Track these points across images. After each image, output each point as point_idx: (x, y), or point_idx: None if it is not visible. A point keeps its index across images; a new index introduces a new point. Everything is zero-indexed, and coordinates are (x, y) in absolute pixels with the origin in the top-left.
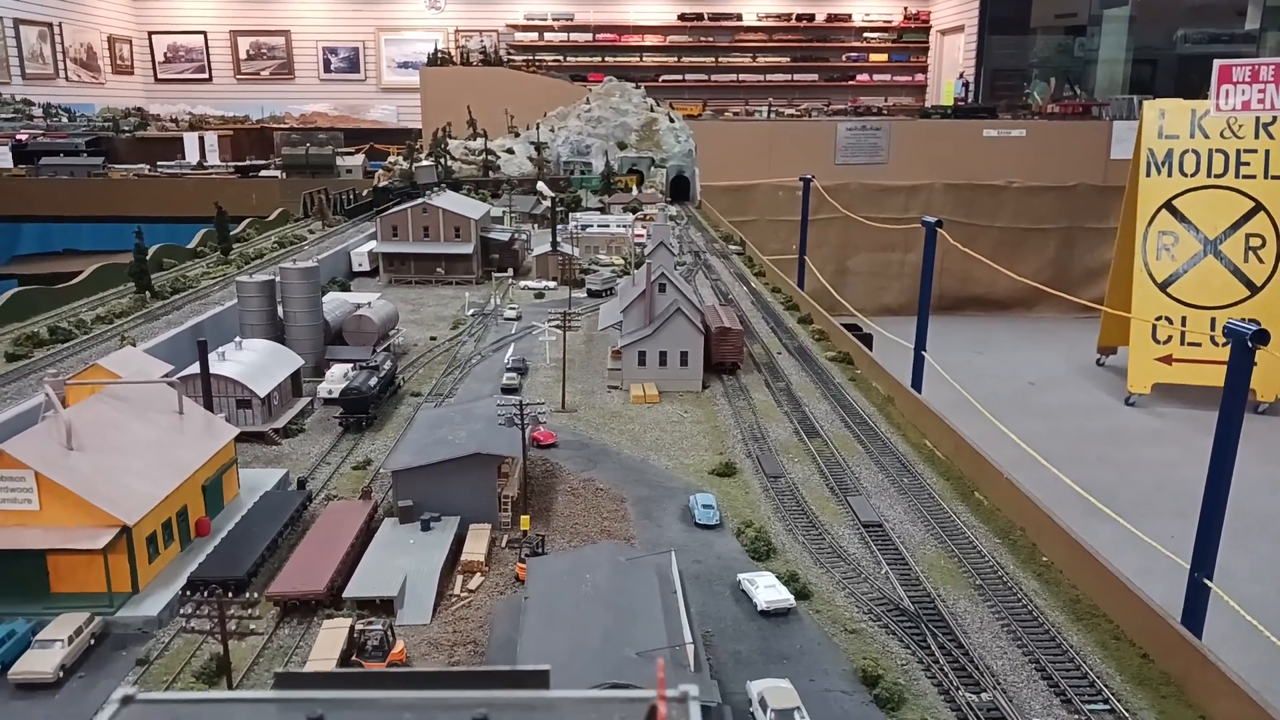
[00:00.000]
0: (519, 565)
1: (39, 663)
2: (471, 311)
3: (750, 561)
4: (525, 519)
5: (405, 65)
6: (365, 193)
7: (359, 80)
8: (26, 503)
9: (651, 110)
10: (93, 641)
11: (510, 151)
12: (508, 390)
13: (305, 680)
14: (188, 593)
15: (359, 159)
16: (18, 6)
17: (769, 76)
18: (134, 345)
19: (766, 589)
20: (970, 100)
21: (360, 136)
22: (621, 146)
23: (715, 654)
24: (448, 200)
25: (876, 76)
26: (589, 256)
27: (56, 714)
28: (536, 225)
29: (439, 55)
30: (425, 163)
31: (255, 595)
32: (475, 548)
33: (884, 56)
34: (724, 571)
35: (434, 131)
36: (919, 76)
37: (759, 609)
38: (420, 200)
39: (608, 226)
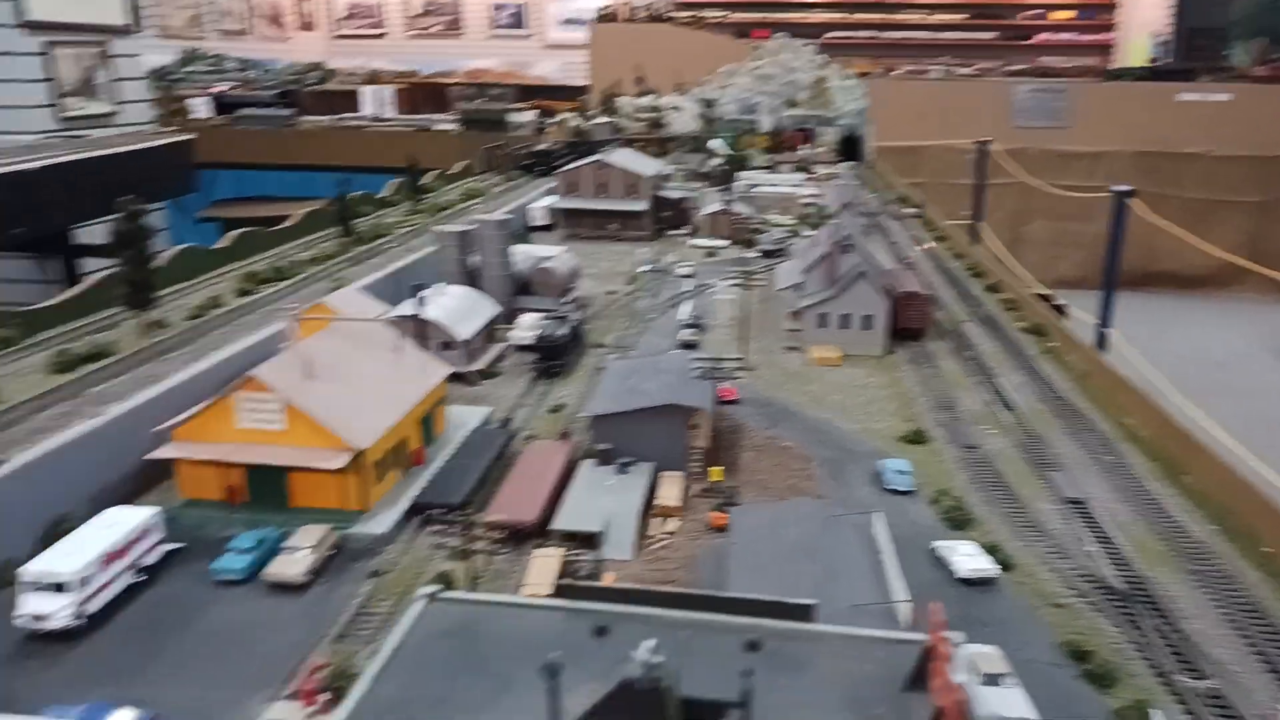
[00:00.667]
0: (712, 514)
1: (289, 567)
2: (646, 268)
3: (945, 530)
4: (716, 470)
5: (569, 22)
6: (537, 148)
7: (523, 36)
8: (275, 423)
9: (822, 68)
10: (333, 552)
11: (677, 109)
12: (686, 346)
13: (587, 592)
14: (417, 514)
15: (531, 115)
16: None
17: (943, 34)
18: (347, 287)
19: (967, 557)
20: (1164, 61)
21: (527, 93)
22: (790, 105)
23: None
24: (623, 158)
25: (1058, 35)
26: (759, 216)
27: (304, 612)
28: (704, 184)
29: (607, 12)
30: (600, 119)
31: (491, 518)
32: (669, 493)
33: (1067, 14)
34: (918, 537)
35: (603, 89)
36: (1106, 35)
37: (958, 576)
38: (597, 157)
39: (777, 186)
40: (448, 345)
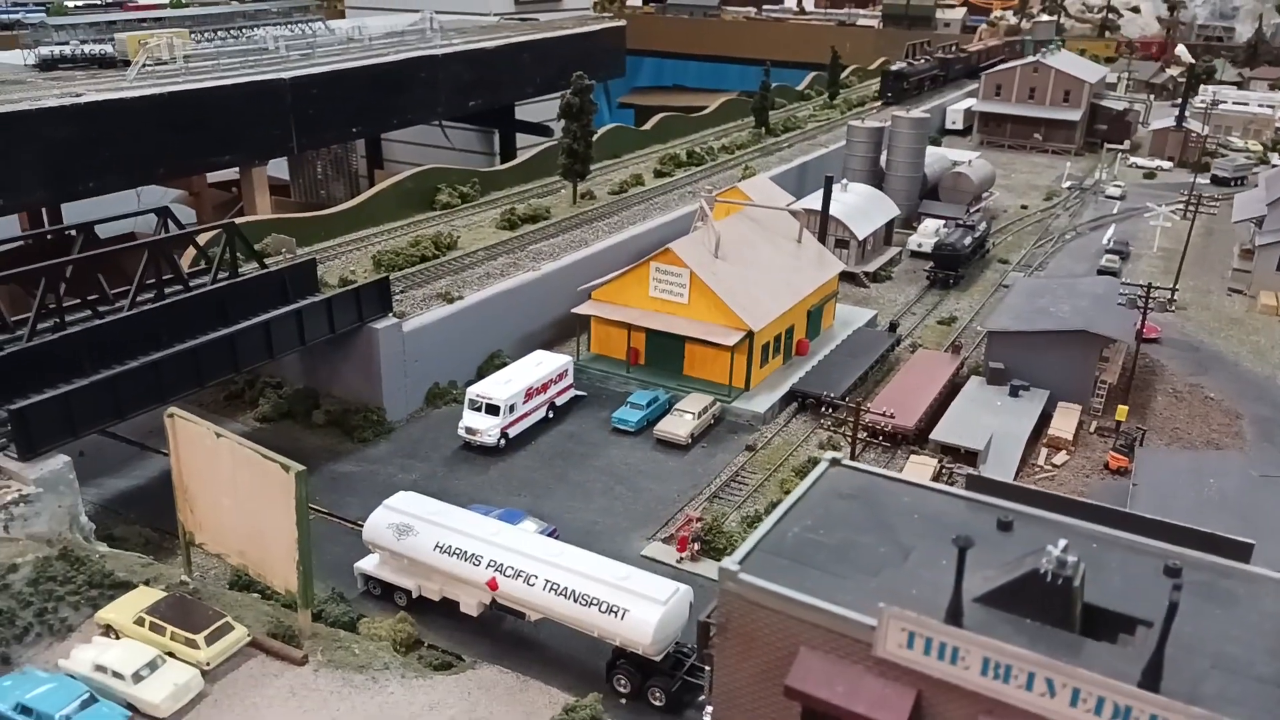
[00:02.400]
0: (1111, 454)
1: (676, 427)
2: (1069, 184)
3: None
4: (1123, 409)
5: None
6: (894, 67)
7: None
8: (679, 296)
9: None
10: (713, 421)
11: (1136, 10)
12: (1106, 272)
13: (996, 487)
14: (792, 400)
15: (959, 12)
16: None
17: None
18: (758, 175)
19: None
20: None
21: None
22: None
23: None
24: (1062, 60)
25: None
26: (1219, 137)
27: (684, 469)
28: (1155, 96)
29: None
30: (1044, 18)
31: (888, 412)
32: (1064, 425)
33: None
34: None
35: None
36: None
37: None
38: (1034, 59)
39: (1247, 105)
40: (842, 243)
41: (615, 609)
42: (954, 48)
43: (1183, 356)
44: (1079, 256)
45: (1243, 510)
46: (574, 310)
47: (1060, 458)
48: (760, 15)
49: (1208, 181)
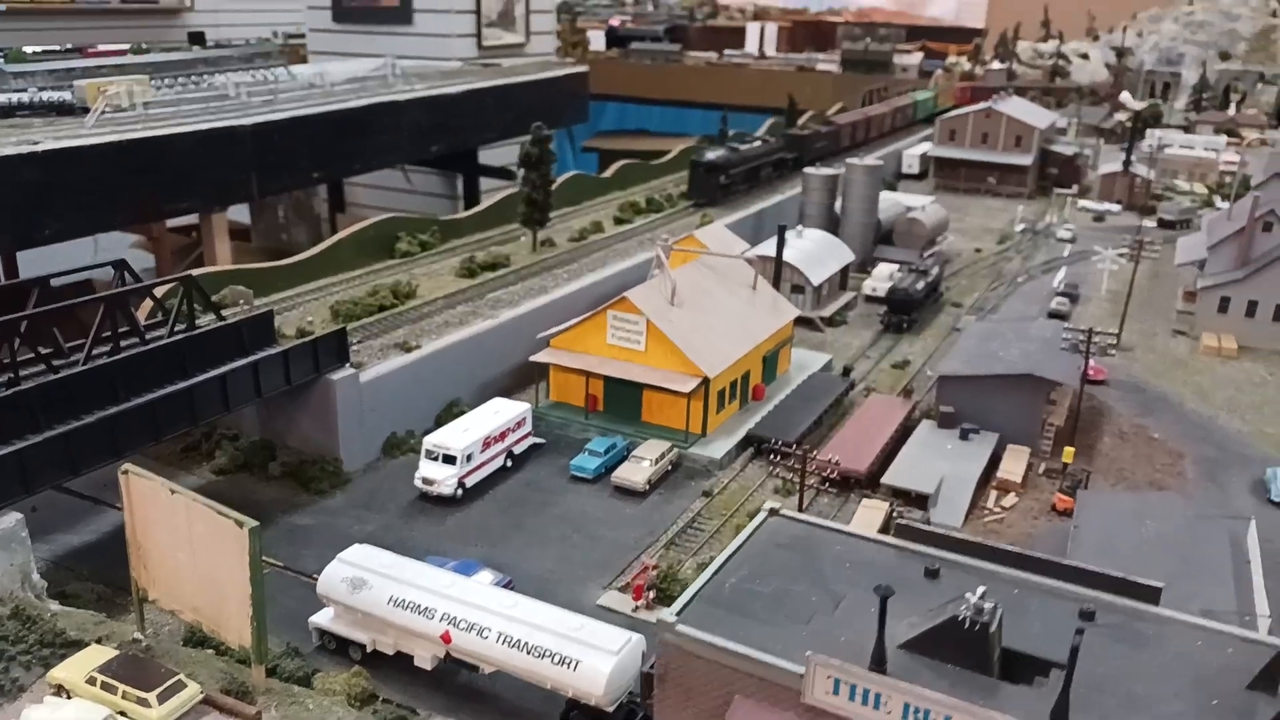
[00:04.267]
0: (1057, 495)
1: (634, 474)
2: (1021, 227)
3: None
4: (1069, 450)
5: None
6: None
7: None
8: (636, 343)
9: (1275, 16)
10: (670, 468)
11: (1085, 57)
12: (1055, 315)
13: (924, 536)
14: (756, 445)
15: (916, 58)
16: None
17: None
18: (714, 223)
19: None
20: None
21: (916, 33)
22: (1224, 57)
23: None
24: (1014, 107)
25: None
26: (1164, 180)
27: (642, 515)
28: (1104, 140)
29: None
30: (995, 66)
31: (834, 460)
32: (1013, 467)
33: None
34: None
35: (1001, 31)
36: None
37: None
38: (985, 105)
39: (1192, 149)
40: (798, 288)
41: (567, 660)
42: (824, 121)
43: (1129, 398)
44: (1031, 299)
45: (1180, 551)
46: (532, 358)
47: (1009, 500)
48: (721, 60)
49: (1155, 224)
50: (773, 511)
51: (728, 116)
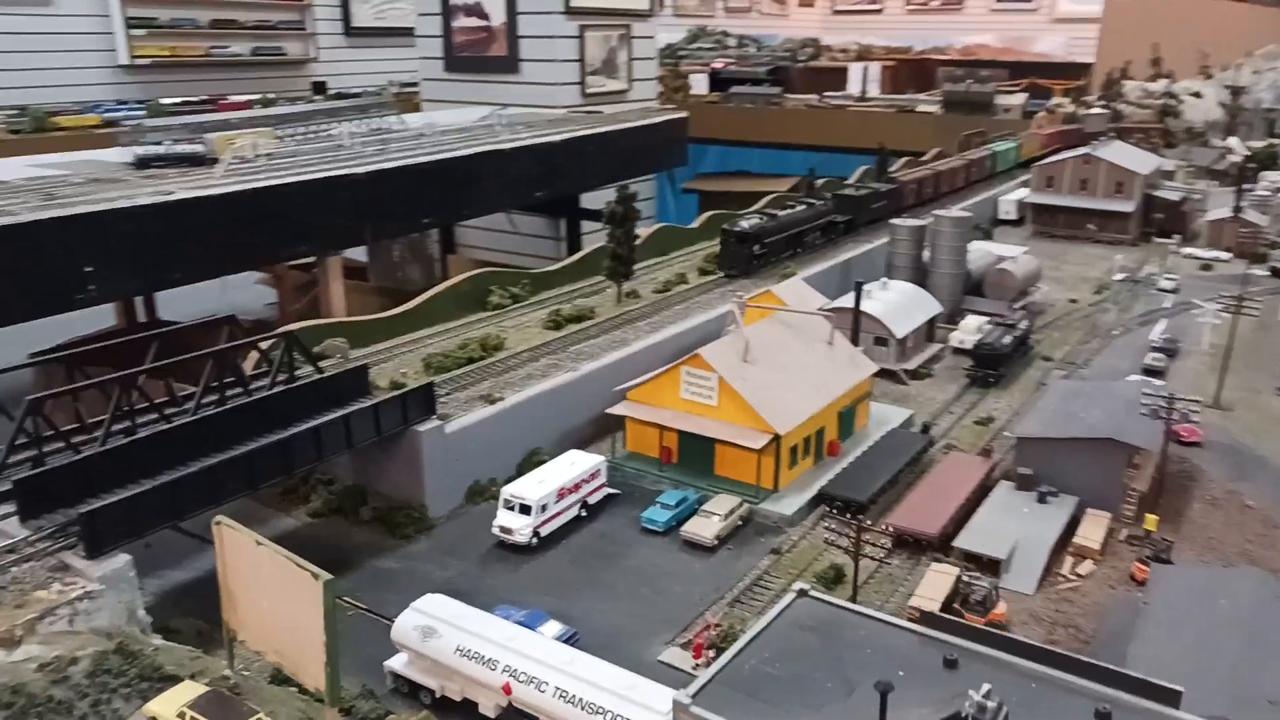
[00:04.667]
0: (1137, 564)
1: (703, 529)
2: (1120, 276)
3: None
4: (1152, 518)
5: None
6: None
7: (1030, 10)
8: (708, 399)
9: None
10: (740, 523)
11: (1197, 95)
12: (1150, 372)
13: (945, 624)
14: (823, 505)
15: (1019, 98)
16: None
17: None
18: (796, 275)
19: None
20: None
21: (1022, 71)
22: None
23: None
24: (1114, 152)
25: None
26: (1278, 226)
27: (710, 571)
28: (1216, 183)
29: None
30: (1095, 110)
31: (889, 528)
32: (1091, 534)
33: None
34: None
35: (1107, 71)
36: None
37: None
38: (1083, 150)
39: None
40: (881, 341)
41: (618, 718)
42: (882, 179)
43: (1224, 461)
44: (1125, 354)
45: (1252, 632)
46: (609, 410)
47: (1086, 567)
48: (821, 103)
49: (1267, 273)
50: (801, 592)
51: (814, 169)
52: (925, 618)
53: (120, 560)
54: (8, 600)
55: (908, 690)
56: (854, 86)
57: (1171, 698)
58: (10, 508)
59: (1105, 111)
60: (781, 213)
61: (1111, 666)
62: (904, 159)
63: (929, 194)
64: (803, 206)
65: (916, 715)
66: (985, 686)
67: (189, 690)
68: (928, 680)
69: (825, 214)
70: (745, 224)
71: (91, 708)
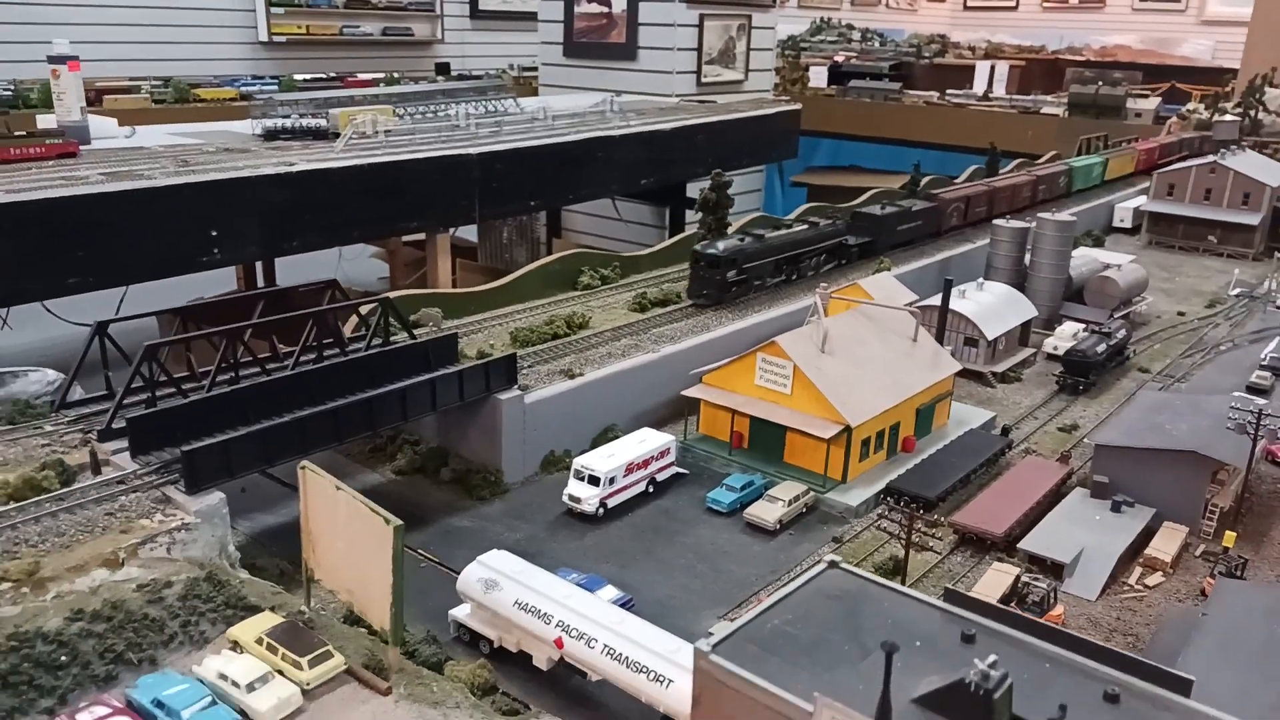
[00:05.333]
0: (1209, 580)
1: (766, 512)
2: (1237, 291)
3: None
4: (1231, 535)
5: None
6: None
7: (1176, 10)
8: (782, 387)
9: None
10: (804, 510)
11: None
12: (1254, 390)
13: (969, 602)
14: (886, 497)
15: (1153, 103)
16: None
17: None
18: (889, 270)
19: None
20: None
21: (1162, 74)
22: None
23: None
24: (1244, 162)
25: None
26: None
27: (769, 553)
28: None
29: None
30: (1228, 117)
31: (940, 518)
32: (1164, 546)
33: None
34: None
35: (1251, 78)
36: None
37: None
38: (1210, 159)
39: None
40: (971, 341)
41: (661, 678)
42: (918, 194)
43: None
44: (1229, 370)
45: None
46: (684, 392)
47: (1155, 578)
48: (942, 100)
49: None
50: (832, 564)
51: (919, 165)
52: (950, 595)
53: (215, 498)
54: (115, 526)
55: (922, 659)
56: (980, 85)
57: (1183, 686)
58: (123, 444)
59: (1238, 119)
60: (771, 233)
61: (1126, 653)
62: (1017, 161)
63: (981, 213)
64: (804, 226)
65: (925, 682)
66: (991, 657)
67: (267, 620)
68: (943, 652)
69: (832, 235)
70: (720, 246)
71: (181, 627)
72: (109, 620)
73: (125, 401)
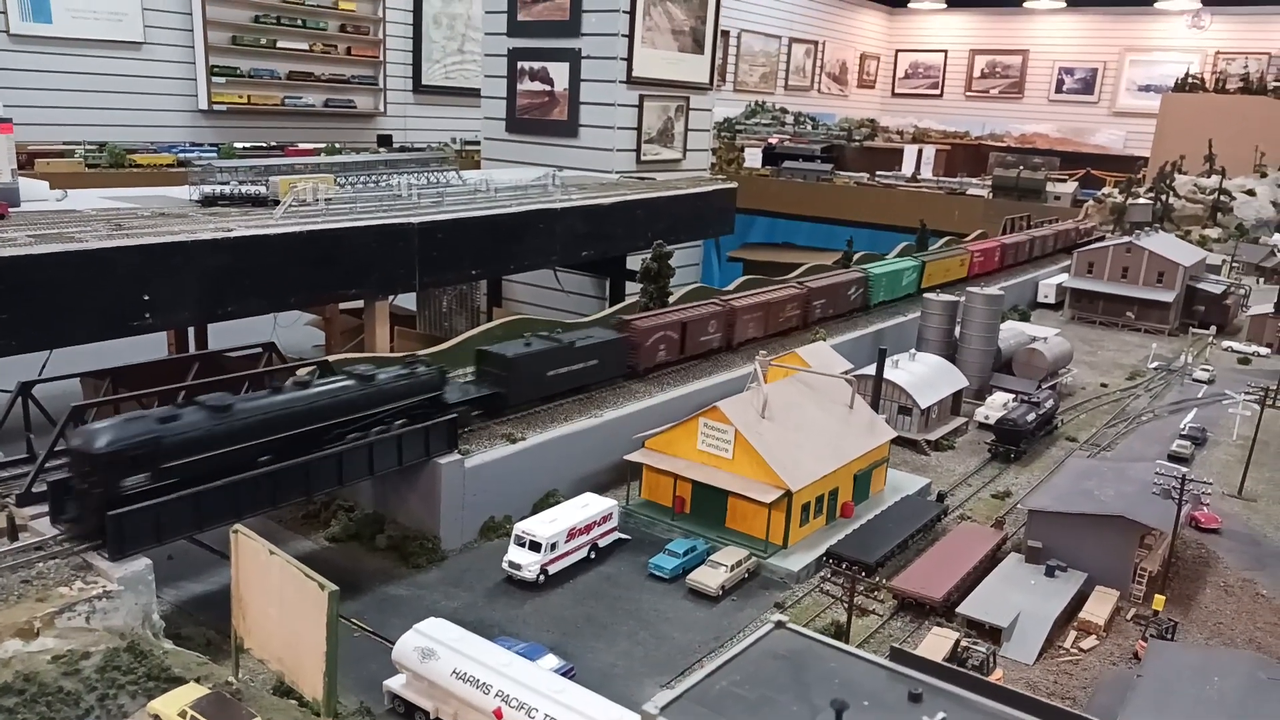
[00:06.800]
0: (1140, 643)
1: (709, 578)
2: (1155, 365)
3: None
4: (1160, 599)
5: (1146, 88)
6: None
7: (1089, 102)
8: (724, 451)
9: None
10: (747, 575)
11: (1251, 193)
12: (1175, 459)
13: (914, 660)
14: (827, 561)
15: (1070, 186)
16: (792, 28)
17: None
18: (825, 340)
19: None
20: None
21: (1077, 161)
22: None
23: None
24: (1157, 242)
25: None
26: None
27: (712, 619)
28: (1262, 280)
29: (1188, 80)
30: (1141, 200)
31: (881, 581)
32: (1097, 610)
33: None
34: None
35: (1161, 165)
36: None
37: None
38: (1126, 239)
39: None
40: (905, 410)
41: None
42: (612, 323)
43: (1242, 550)
44: (1152, 439)
45: (1238, 712)
46: (626, 457)
47: (1089, 642)
48: (872, 181)
49: None
50: (779, 624)
51: (851, 241)
52: (896, 654)
53: (140, 564)
54: (30, 594)
55: (870, 718)
56: (908, 167)
57: None
58: (43, 508)
59: (1149, 203)
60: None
61: (1072, 711)
62: (945, 239)
63: (712, 342)
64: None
65: None
66: (940, 715)
67: (192, 692)
68: (893, 712)
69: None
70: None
71: (98, 701)
72: (20, 694)
73: (47, 465)
